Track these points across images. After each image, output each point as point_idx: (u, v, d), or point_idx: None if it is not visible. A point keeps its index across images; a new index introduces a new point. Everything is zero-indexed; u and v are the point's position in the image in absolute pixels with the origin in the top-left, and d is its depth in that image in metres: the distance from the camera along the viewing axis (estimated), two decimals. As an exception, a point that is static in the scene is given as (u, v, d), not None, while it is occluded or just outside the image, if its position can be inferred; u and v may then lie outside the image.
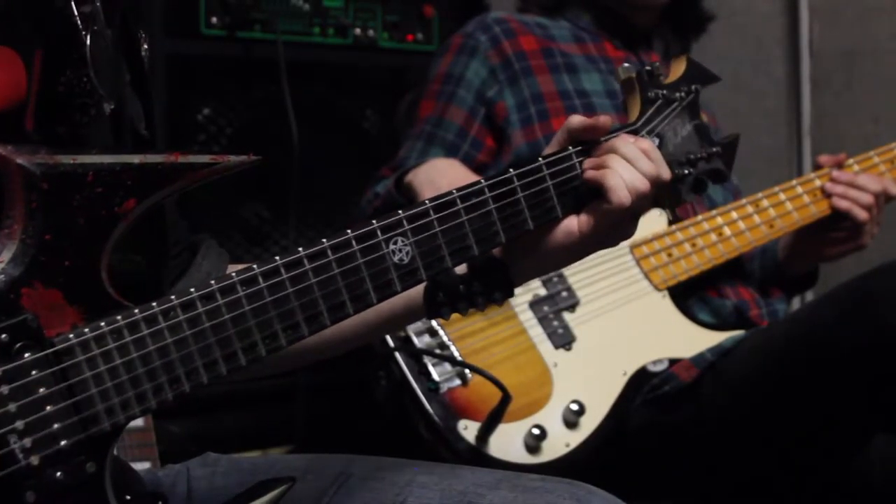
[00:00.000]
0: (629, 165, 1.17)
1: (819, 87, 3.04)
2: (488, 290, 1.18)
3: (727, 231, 2.02)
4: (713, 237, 2.01)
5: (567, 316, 1.89)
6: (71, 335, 0.94)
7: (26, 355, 0.91)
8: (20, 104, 1.00)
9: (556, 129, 2.04)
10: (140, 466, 1.56)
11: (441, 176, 1.93)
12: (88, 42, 1.04)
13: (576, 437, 1.80)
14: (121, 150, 0.99)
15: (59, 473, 0.93)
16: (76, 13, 1.05)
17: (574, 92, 2.10)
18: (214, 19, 2.35)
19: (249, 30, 2.38)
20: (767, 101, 3.11)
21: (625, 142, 1.19)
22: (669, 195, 1.25)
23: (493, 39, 2.11)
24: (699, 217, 2.02)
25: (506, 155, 2.08)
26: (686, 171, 1.26)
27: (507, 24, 2.15)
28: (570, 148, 1.19)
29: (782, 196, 2.06)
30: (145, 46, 1.18)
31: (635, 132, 1.23)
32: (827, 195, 2.06)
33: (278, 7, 2.41)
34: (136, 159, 0.99)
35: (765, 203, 2.06)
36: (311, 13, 2.46)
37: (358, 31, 2.52)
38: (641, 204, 1.18)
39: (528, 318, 1.87)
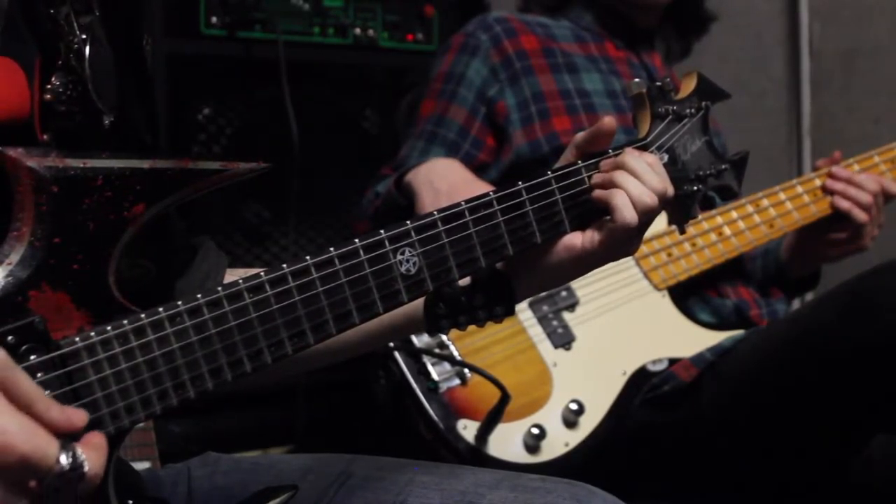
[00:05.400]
0: (636, 181, 1.17)
1: (819, 87, 3.04)
2: (490, 303, 1.18)
3: (727, 231, 2.02)
4: (713, 237, 2.01)
5: (567, 315, 1.89)
6: (77, 338, 0.93)
7: (32, 358, 0.91)
8: (27, 114, 1.00)
9: (557, 128, 2.07)
10: (140, 466, 1.56)
11: (440, 177, 1.93)
12: (88, 54, 1.04)
13: (575, 437, 1.80)
14: (130, 155, 0.99)
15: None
16: (76, 24, 1.05)
17: (574, 91, 2.10)
18: (214, 19, 2.35)
19: (249, 30, 2.39)
20: (767, 101, 3.11)
21: (632, 156, 1.19)
22: (679, 211, 1.26)
23: (494, 39, 2.12)
24: (699, 217, 2.02)
25: (506, 154, 2.08)
26: (696, 188, 1.27)
27: (508, 23, 2.15)
28: (580, 162, 1.20)
29: (782, 196, 2.06)
30: (149, 48, 1.18)
31: (645, 147, 1.23)
32: (828, 193, 2.06)
33: (278, 7, 2.41)
34: (145, 164, 0.99)
35: (765, 203, 2.06)
36: (311, 13, 2.46)
37: (358, 31, 2.52)
38: (648, 219, 1.18)
39: (527, 317, 1.87)
